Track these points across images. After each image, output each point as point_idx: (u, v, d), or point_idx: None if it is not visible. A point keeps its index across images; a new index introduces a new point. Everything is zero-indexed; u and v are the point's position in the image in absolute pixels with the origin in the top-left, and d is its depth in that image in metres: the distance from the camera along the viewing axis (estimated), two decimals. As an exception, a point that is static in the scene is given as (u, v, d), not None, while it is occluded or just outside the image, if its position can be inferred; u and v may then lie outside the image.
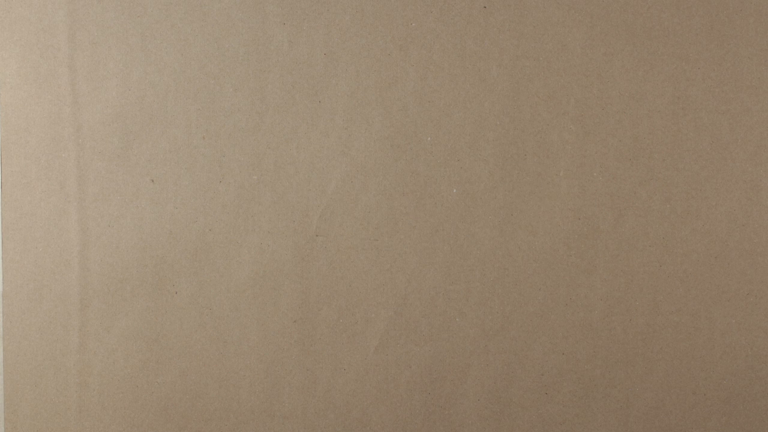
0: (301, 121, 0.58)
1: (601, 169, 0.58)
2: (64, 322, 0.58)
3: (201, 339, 0.58)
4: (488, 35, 0.58)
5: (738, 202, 0.58)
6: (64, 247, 0.58)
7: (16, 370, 0.58)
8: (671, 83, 0.58)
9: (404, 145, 0.58)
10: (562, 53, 0.58)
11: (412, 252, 0.58)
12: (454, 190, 0.58)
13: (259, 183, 0.58)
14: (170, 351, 0.58)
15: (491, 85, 0.58)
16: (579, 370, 0.59)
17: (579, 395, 0.59)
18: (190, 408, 0.58)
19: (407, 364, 0.59)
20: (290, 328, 0.59)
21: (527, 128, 0.58)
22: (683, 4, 0.58)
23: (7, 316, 0.58)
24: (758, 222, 0.58)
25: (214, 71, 0.58)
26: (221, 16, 0.58)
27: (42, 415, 0.58)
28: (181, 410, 0.58)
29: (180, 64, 0.58)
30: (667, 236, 0.58)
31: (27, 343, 0.58)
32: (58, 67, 0.58)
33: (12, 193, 0.58)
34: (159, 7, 0.59)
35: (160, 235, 0.58)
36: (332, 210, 0.58)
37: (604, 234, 0.58)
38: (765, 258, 0.58)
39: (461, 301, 0.59)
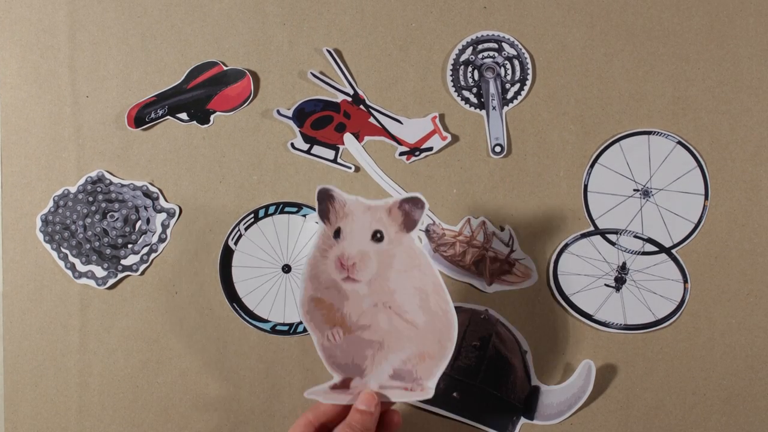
0: (301, 121, 0.58)
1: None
2: (64, 322, 0.58)
3: (201, 339, 0.58)
4: (488, 35, 0.58)
5: (738, 202, 0.58)
6: (64, 247, 0.58)
7: (16, 370, 0.58)
8: (671, 83, 0.58)
9: (404, 145, 0.58)
10: (562, 53, 0.58)
11: (412, 252, 0.58)
12: (454, 191, 0.58)
13: (259, 183, 0.58)
14: (170, 351, 0.58)
15: (491, 85, 0.58)
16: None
17: (579, 395, 0.59)
18: (190, 408, 0.58)
19: (407, 364, 0.59)
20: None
21: (527, 128, 0.58)
22: (683, 4, 0.58)
23: (7, 316, 0.58)
24: (758, 222, 0.58)
25: (214, 71, 0.58)
26: (221, 16, 0.58)
27: (42, 415, 0.58)
28: (181, 410, 0.58)
29: (180, 64, 0.58)
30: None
31: (27, 343, 0.58)
32: (58, 67, 0.58)
33: (12, 193, 0.58)
34: (159, 7, 0.59)
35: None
36: (332, 210, 0.58)
37: (604, 234, 0.58)
38: (765, 258, 0.58)
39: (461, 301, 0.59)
